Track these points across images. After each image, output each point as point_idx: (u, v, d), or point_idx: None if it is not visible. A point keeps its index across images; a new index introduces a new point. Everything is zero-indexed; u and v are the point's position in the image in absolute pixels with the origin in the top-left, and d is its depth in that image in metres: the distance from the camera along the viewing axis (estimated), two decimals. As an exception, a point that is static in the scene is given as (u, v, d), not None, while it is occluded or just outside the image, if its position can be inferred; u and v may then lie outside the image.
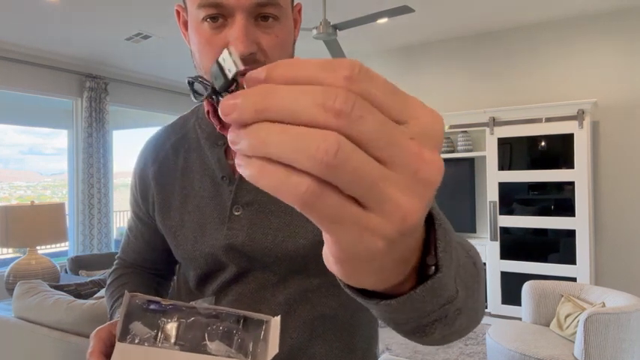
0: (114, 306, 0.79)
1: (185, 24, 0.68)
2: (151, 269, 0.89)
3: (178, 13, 0.69)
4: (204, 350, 0.56)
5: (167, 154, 0.80)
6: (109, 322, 0.67)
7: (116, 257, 0.92)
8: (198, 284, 0.78)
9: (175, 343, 0.56)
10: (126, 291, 0.58)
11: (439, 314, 0.38)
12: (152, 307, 0.58)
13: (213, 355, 0.55)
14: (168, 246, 0.85)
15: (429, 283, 0.32)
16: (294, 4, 0.70)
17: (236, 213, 0.72)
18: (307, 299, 0.72)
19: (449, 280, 0.35)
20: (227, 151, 0.74)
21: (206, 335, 0.57)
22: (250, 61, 0.61)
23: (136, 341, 0.56)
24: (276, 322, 0.57)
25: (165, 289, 0.90)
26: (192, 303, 0.61)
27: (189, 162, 0.77)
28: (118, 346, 0.56)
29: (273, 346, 0.55)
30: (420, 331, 0.40)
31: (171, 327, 0.57)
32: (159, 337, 0.57)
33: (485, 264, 4.34)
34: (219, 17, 0.61)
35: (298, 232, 0.70)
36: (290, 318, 0.71)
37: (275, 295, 0.73)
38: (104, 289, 0.88)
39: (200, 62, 0.65)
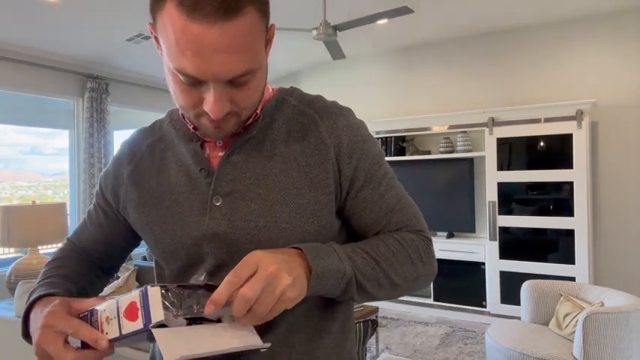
0: (40, 283, 0.79)
1: (157, 39, 0.67)
2: (97, 260, 0.92)
3: (152, 25, 0.67)
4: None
5: (143, 155, 0.84)
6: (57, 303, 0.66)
7: (66, 238, 0.95)
8: (177, 278, 0.80)
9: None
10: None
11: (342, 286, 0.67)
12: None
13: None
14: (122, 242, 0.90)
15: (312, 275, 0.63)
16: (269, 26, 0.68)
17: (216, 203, 0.74)
18: None
19: (331, 267, 0.65)
20: (202, 146, 0.78)
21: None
22: (224, 119, 0.67)
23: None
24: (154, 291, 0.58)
25: (103, 283, 0.93)
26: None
27: (166, 160, 0.81)
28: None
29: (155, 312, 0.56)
30: (347, 297, 0.69)
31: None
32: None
33: (484, 264, 4.37)
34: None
35: (279, 217, 0.72)
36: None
37: None
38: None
39: (176, 101, 0.69)
